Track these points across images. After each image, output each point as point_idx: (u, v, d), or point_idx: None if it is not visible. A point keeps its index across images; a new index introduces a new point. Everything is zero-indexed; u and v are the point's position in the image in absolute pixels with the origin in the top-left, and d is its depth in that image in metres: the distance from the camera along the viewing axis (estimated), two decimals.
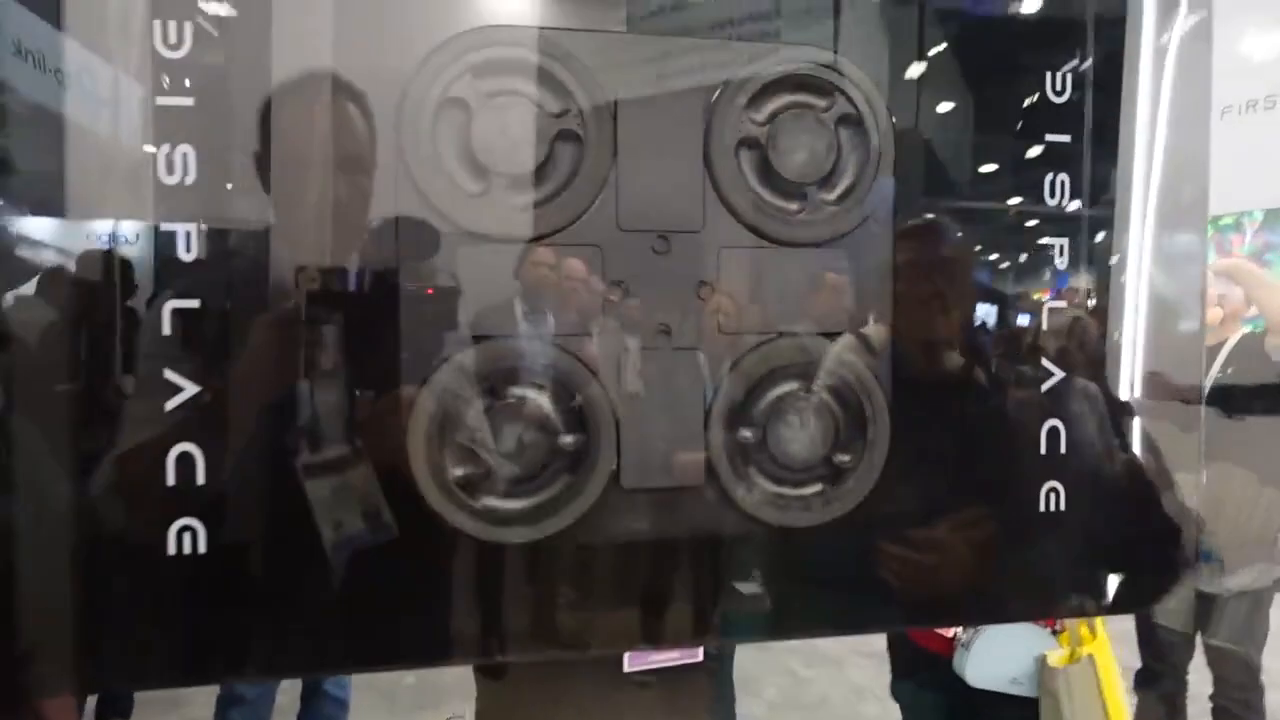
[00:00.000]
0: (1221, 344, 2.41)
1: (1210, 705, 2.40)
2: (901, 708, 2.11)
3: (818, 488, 0.83)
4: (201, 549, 0.70)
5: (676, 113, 0.78)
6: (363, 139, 0.73)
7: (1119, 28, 0.90)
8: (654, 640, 0.80)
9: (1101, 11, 0.90)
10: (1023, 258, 0.89)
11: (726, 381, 0.80)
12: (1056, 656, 1.79)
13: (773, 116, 0.80)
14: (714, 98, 0.78)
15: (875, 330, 0.83)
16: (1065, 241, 0.88)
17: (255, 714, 3.57)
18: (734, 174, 0.79)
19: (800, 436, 0.82)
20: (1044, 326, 0.87)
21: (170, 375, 0.69)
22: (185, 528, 0.70)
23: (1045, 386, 0.87)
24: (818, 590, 0.84)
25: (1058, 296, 0.88)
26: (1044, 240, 0.88)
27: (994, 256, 0.89)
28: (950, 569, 0.85)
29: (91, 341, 0.69)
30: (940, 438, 0.87)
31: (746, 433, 0.81)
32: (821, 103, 0.81)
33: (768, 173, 0.80)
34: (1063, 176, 0.87)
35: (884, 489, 0.84)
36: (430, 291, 0.74)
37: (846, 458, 0.83)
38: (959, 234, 0.86)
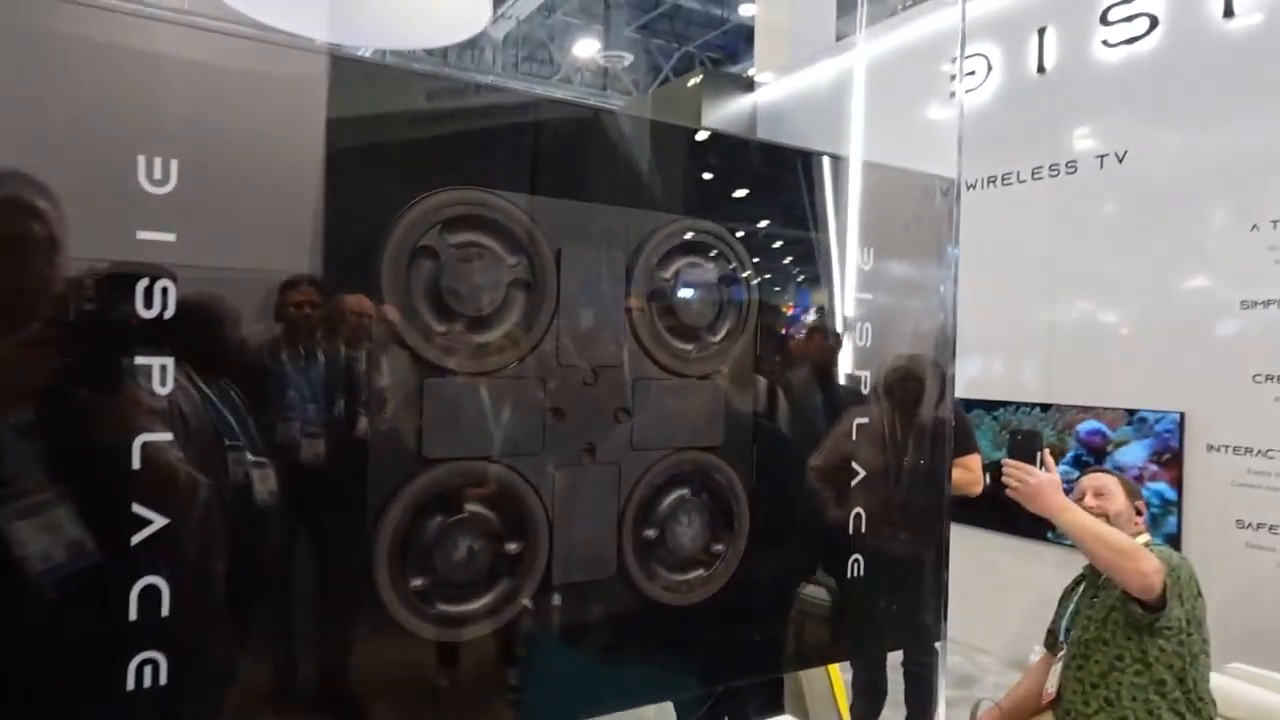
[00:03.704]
0: None
1: (902, 670, 2.97)
2: None
3: (699, 571, 1.02)
4: (163, 681, 0.71)
5: (605, 267, 0.93)
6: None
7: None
8: (592, 708, 0.92)
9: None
10: (828, 392, 1.16)
11: (636, 490, 0.96)
12: None
13: (675, 274, 0.98)
14: (633, 256, 0.95)
15: None
16: (868, 374, 1.15)
17: None
18: (647, 319, 0.96)
19: (688, 532, 1.00)
20: (854, 436, 1.14)
21: (138, 509, 0.71)
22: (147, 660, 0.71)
23: (854, 482, 1.14)
24: (705, 651, 1.03)
25: (861, 414, 1.15)
26: (852, 372, 1.15)
27: (820, 384, 1.14)
28: (793, 626, 1.08)
29: None
30: (783, 526, 1.10)
31: (650, 531, 0.97)
32: (709, 263, 1.01)
33: (670, 318, 0.98)
34: (867, 325, 1.15)
35: (744, 568, 1.05)
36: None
37: (720, 546, 1.03)
38: (802, 372, 1.10)
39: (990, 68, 4.50)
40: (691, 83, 6.24)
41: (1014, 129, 4.35)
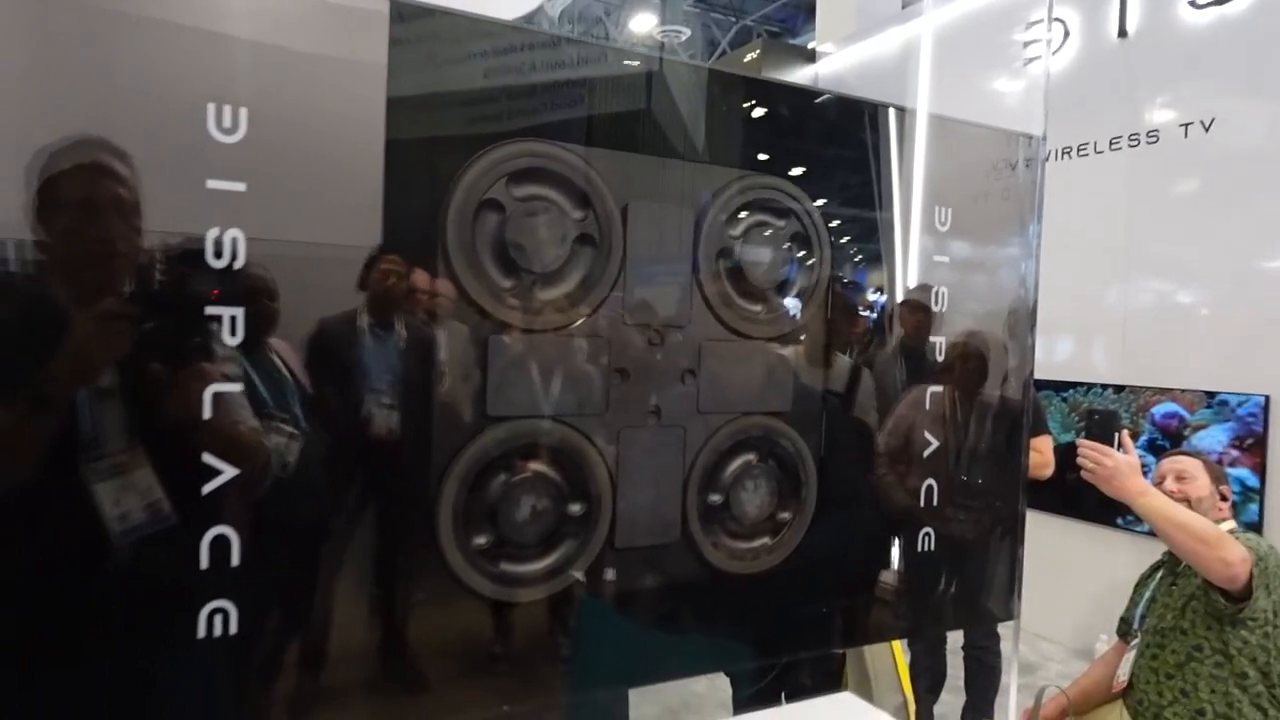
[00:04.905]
0: None
1: (963, 654, 2.90)
2: None
3: (765, 540, 0.99)
4: (233, 631, 0.71)
5: (672, 224, 0.91)
6: None
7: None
8: (645, 677, 0.91)
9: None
10: (902, 361, 1.11)
11: (702, 454, 0.93)
12: None
13: (745, 232, 0.95)
14: (701, 213, 0.92)
15: None
16: (943, 341, 1.11)
17: None
18: (715, 279, 0.93)
19: (754, 498, 0.97)
20: (927, 405, 1.10)
21: (209, 459, 0.71)
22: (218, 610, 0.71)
23: (926, 453, 1.10)
24: (767, 622, 1.00)
25: (936, 382, 1.11)
26: (933, 338, 1.10)
27: (888, 350, 1.10)
28: (859, 600, 1.05)
29: None
30: (852, 496, 1.06)
31: (715, 497, 0.95)
32: (780, 222, 0.98)
33: (740, 278, 0.95)
34: (943, 290, 1.10)
35: (810, 539, 1.02)
36: None
37: (787, 514, 1.00)
38: (875, 339, 1.06)
39: (1067, 33, 4.29)
40: (749, 57, 6.11)
41: (1091, 97, 4.15)
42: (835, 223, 1.02)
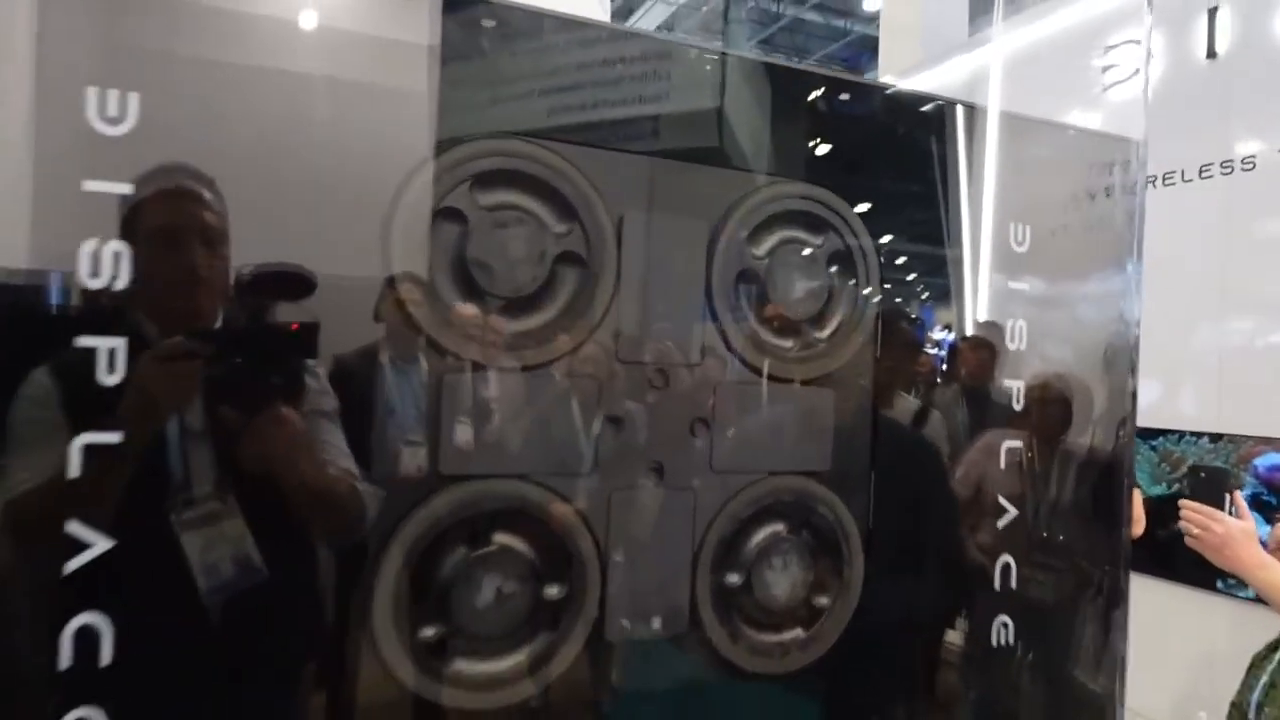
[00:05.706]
0: None
1: None
2: None
3: (796, 632, 0.80)
4: None
5: (680, 240, 0.74)
6: None
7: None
8: None
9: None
10: (974, 412, 0.92)
11: (716, 523, 0.75)
12: None
13: (771, 251, 0.78)
14: (717, 228, 0.75)
15: None
16: (1021, 385, 0.91)
17: None
18: (733, 308, 0.76)
19: (783, 580, 0.79)
20: (1001, 465, 0.90)
21: (76, 528, 0.56)
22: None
23: (1001, 523, 0.89)
24: None
25: (1011, 436, 0.91)
26: (1000, 382, 0.90)
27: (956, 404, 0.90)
28: (920, 704, 0.85)
29: None
30: (907, 576, 0.86)
31: (733, 577, 0.77)
32: (816, 239, 0.80)
33: (765, 307, 0.77)
34: (1020, 323, 0.90)
35: (855, 629, 0.82)
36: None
37: (825, 600, 0.81)
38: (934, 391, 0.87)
39: (1150, 55, 4.02)
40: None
41: (1178, 123, 3.86)
42: (886, 240, 0.84)
